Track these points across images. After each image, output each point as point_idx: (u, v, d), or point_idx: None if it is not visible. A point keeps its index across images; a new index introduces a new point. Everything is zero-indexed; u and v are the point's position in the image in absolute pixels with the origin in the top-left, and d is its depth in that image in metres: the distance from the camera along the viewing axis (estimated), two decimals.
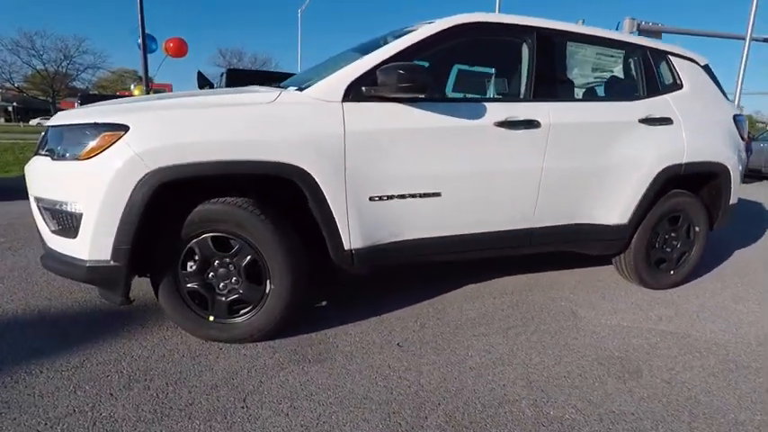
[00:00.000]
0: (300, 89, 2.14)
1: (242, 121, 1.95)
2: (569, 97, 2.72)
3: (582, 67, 2.78)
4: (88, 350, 2.05)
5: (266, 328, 2.11)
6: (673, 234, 3.08)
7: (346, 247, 2.17)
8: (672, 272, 3.13)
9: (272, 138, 1.96)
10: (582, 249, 2.89)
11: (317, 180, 2.02)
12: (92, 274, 1.93)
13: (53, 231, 2.02)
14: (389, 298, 2.74)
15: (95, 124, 1.88)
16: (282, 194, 2.23)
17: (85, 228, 1.88)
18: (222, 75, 8.20)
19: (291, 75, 7.90)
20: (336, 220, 2.11)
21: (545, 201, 2.55)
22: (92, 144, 1.86)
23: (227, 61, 42.56)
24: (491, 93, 2.52)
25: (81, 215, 1.88)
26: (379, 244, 2.26)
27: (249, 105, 2.01)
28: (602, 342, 2.35)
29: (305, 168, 1.99)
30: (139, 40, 9.71)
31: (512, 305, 2.74)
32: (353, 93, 2.12)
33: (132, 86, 17.54)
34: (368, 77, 2.12)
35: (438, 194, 2.28)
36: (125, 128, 1.84)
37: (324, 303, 2.65)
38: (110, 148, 1.83)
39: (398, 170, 2.18)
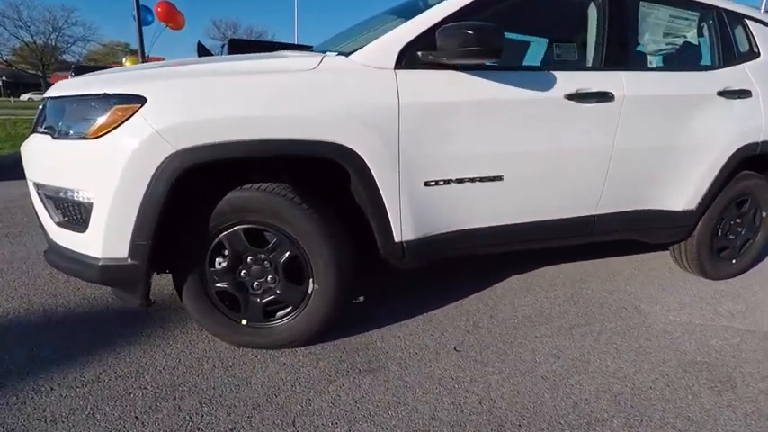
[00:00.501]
0: (345, 54, 1.81)
1: (281, 92, 1.63)
2: (643, 66, 2.40)
3: (653, 32, 2.45)
4: (104, 360, 1.78)
5: (307, 334, 1.84)
6: (738, 220, 2.80)
7: (396, 239, 1.88)
8: (734, 261, 2.86)
9: (316, 112, 1.64)
10: (643, 238, 2.62)
11: (366, 162, 1.71)
12: (106, 274, 1.64)
13: (58, 223, 1.72)
14: (432, 291, 2.47)
15: (105, 95, 1.56)
16: (322, 178, 1.93)
17: (97, 220, 1.58)
18: (223, 46, 7.71)
19: (299, 46, 7.45)
20: (387, 209, 1.81)
21: (613, 184, 2.25)
22: (101, 119, 1.54)
23: (221, 33, 41.36)
24: (552, 60, 2.20)
25: (91, 205, 1.58)
26: (433, 235, 1.97)
27: (288, 73, 1.68)
28: (678, 344, 2.10)
29: (353, 148, 1.68)
30: (134, 12, 9.16)
31: (567, 299, 2.48)
32: (407, 58, 1.79)
33: (124, 59, 16.72)
34: (424, 40, 1.79)
35: (499, 178, 1.98)
36: (141, 99, 1.52)
37: (361, 299, 2.37)
38: (123, 124, 1.52)
39: (459, 150, 1.87)
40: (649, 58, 2.47)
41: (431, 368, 1.82)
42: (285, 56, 1.97)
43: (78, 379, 1.66)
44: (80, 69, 10.63)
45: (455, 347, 1.98)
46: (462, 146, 1.87)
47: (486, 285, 2.60)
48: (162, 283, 2.40)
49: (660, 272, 2.96)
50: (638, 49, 2.35)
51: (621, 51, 2.19)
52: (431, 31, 1.78)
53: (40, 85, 43.88)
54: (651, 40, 2.46)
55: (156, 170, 1.52)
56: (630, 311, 2.39)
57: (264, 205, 1.68)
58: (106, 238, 1.59)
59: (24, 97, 41.22)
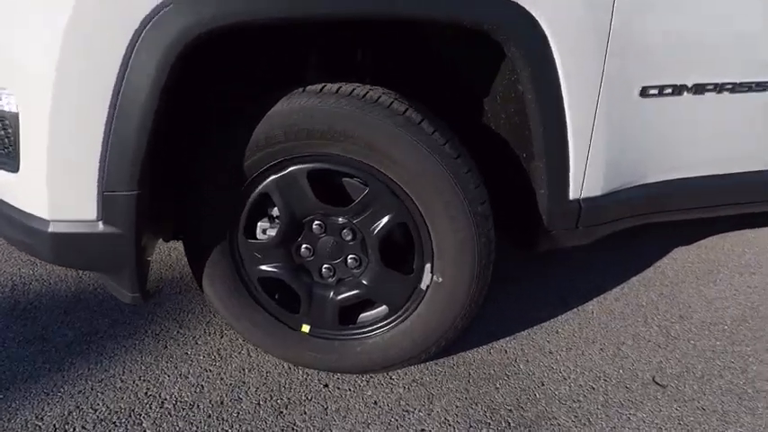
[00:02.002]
0: None
1: None
2: None
3: None
4: (78, 396, 1.09)
5: (413, 353, 1.07)
6: None
7: (573, 196, 1.05)
8: None
9: None
10: None
11: (548, 38, 0.85)
12: (63, 248, 0.90)
13: None
14: (566, 274, 1.63)
15: None
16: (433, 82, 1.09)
17: (30, 148, 0.82)
18: None
19: None
20: (570, 136, 0.96)
21: None
22: None
23: None
24: None
25: (16, 118, 0.81)
26: (634, 188, 1.11)
27: None
28: None
29: (532, 12, 0.82)
30: None
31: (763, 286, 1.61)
32: None
33: None
34: None
35: (764, 86, 1.08)
36: None
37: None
38: None
39: (715, 32, 0.98)
40: None
41: (633, 424, 1.04)
42: None
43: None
44: None
45: (654, 378, 1.18)
46: (721, 23, 0.97)
47: (643, 263, 1.73)
48: (167, 257, 1.67)
49: None
50: None
51: None
52: None
53: None
54: None
55: (133, 44, 0.72)
56: None
57: (351, 125, 0.86)
58: (52, 183, 0.83)
59: None
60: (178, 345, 1.22)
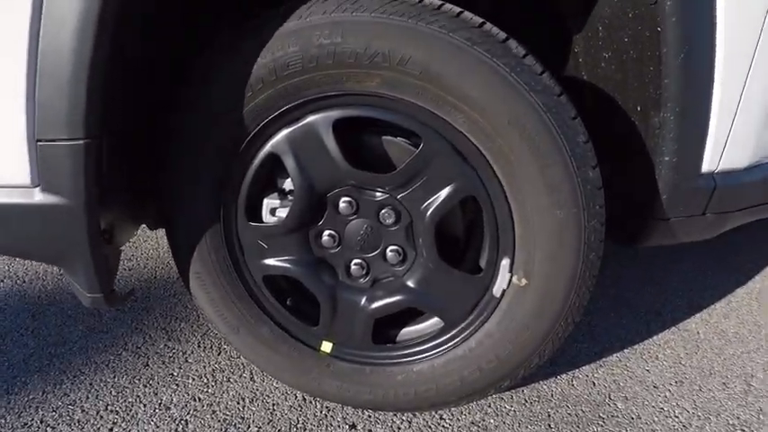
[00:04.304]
0: None
1: None
2: None
3: None
4: (55, 407, 0.82)
5: (478, 387, 0.76)
6: None
7: (706, 168, 0.73)
8: None
9: None
10: None
11: None
12: None
13: None
14: (668, 276, 1.30)
15: None
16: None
17: None
18: None
19: None
20: (717, 72, 0.65)
21: None
22: None
23: None
24: None
25: None
26: None
27: None
28: None
29: None
30: None
31: None
32: None
33: None
34: None
35: None
36: None
37: None
38: None
39: None
40: None
41: None
42: None
43: None
44: None
45: None
46: None
47: (746, 270, 1.38)
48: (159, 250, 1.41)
49: None
50: None
51: None
52: None
53: None
54: None
55: None
56: None
57: (407, 47, 0.57)
58: None
59: None
60: (163, 363, 0.94)
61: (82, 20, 0.51)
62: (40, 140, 0.57)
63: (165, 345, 1.00)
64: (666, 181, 0.73)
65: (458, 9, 0.58)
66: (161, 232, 1.38)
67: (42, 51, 0.52)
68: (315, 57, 0.59)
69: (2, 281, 1.23)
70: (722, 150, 0.73)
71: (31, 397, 0.86)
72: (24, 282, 1.23)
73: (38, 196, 0.61)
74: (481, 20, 0.58)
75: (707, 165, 0.73)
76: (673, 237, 0.83)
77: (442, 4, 0.58)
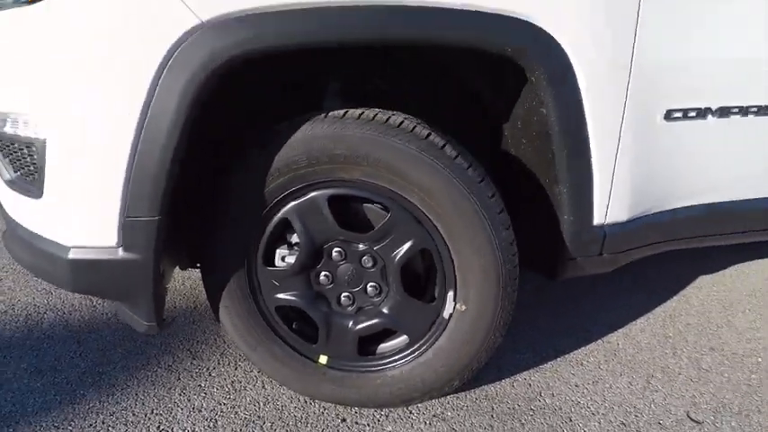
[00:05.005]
0: None
1: None
2: None
3: None
4: (111, 412, 1.05)
5: (435, 386, 1.03)
6: None
7: (597, 221, 1.02)
8: None
9: None
10: None
11: (571, 62, 0.86)
12: (82, 275, 0.89)
13: (9, 182, 0.97)
14: (592, 298, 1.59)
15: None
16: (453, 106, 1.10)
17: (55, 173, 0.82)
18: None
19: None
20: (594, 162, 0.95)
21: None
22: None
23: None
24: None
25: (43, 145, 0.82)
26: (660, 213, 1.09)
27: None
28: None
29: (551, 32, 0.83)
30: None
31: None
32: None
33: None
34: None
35: None
36: None
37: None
38: None
39: (728, 55, 0.97)
40: None
41: None
42: None
43: None
44: None
45: (688, 414, 1.12)
46: (734, 46, 0.97)
47: (667, 292, 1.67)
48: (181, 286, 1.65)
49: None
50: None
51: None
52: None
53: None
54: None
55: (163, 66, 0.73)
56: None
57: (373, 150, 0.86)
58: (74, 209, 0.83)
59: None
60: (192, 377, 1.19)
61: (169, 137, 0.77)
62: (129, 217, 0.84)
63: (191, 362, 1.24)
64: (569, 232, 1.02)
65: (412, 125, 0.87)
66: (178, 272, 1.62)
67: (136, 166, 0.79)
68: (315, 157, 0.87)
69: (45, 313, 1.46)
70: (606, 210, 1.02)
71: (90, 405, 1.09)
72: (65, 314, 1.46)
73: (120, 254, 0.87)
74: (427, 132, 0.87)
75: (597, 219, 1.02)
76: (582, 270, 1.12)
77: (401, 122, 0.87)
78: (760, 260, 1.86)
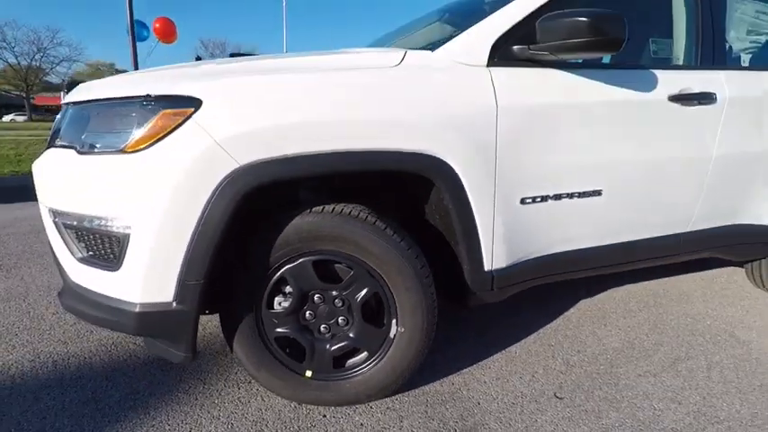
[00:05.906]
0: (429, 49, 1.52)
1: (365, 92, 1.33)
2: (737, 64, 2.16)
3: (738, 29, 2.22)
4: (137, 429, 1.43)
5: (387, 386, 1.51)
6: None
7: (486, 268, 1.58)
8: None
9: (405, 116, 1.34)
10: (726, 255, 2.35)
11: (459, 176, 1.42)
12: (145, 323, 1.30)
13: (81, 260, 1.38)
14: (500, 324, 2.15)
15: (148, 97, 1.24)
16: (394, 197, 1.63)
17: (135, 255, 1.25)
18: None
19: None
20: (479, 231, 1.51)
21: (709, 197, 1.98)
22: (143, 128, 1.22)
23: (209, 52, 41.20)
24: (649, 57, 1.95)
25: (127, 237, 1.25)
26: (526, 261, 1.67)
27: (369, 70, 1.39)
28: None
29: (446, 160, 1.39)
30: (128, 27, 8.82)
31: (652, 327, 2.18)
32: (500, 53, 1.51)
33: None
34: (521, 31, 1.51)
35: (598, 193, 1.70)
36: (195, 102, 1.21)
37: None
38: (173, 133, 1.20)
39: (558, 161, 1.58)
40: (741, 56, 2.24)
41: (538, 424, 1.50)
42: (358, 51, 1.67)
43: None
44: (74, 87, 10.22)
45: (555, 394, 1.66)
46: (562, 156, 1.59)
47: (555, 315, 2.29)
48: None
49: (734, 291, 2.68)
50: (729, 45, 2.12)
51: (717, 47, 1.95)
52: (529, 20, 1.50)
53: (24, 106, 43.11)
54: (736, 38, 2.23)
55: (214, 192, 1.21)
56: (728, 339, 2.10)
57: (341, 231, 1.37)
58: (147, 277, 1.26)
59: (7, 118, 40.22)
60: (206, 396, 1.59)
61: (214, 232, 1.23)
62: (184, 282, 1.27)
63: (203, 386, 1.64)
64: (469, 275, 1.56)
65: (364, 215, 1.39)
66: None
67: (193, 248, 1.24)
68: (305, 237, 1.36)
69: (69, 359, 1.80)
70: (492, 259, 1.58)
71: (134, 422, 1.46)
72: (86, 359, 1.80)
73: (174, 306, 1.30)
74: (374, 219, 1.39)
75: (486, 266, 1.58)
76: (483, 300, 1.67)
77: (358, 213, 1.38)
78: (623, 286, 2.54)
